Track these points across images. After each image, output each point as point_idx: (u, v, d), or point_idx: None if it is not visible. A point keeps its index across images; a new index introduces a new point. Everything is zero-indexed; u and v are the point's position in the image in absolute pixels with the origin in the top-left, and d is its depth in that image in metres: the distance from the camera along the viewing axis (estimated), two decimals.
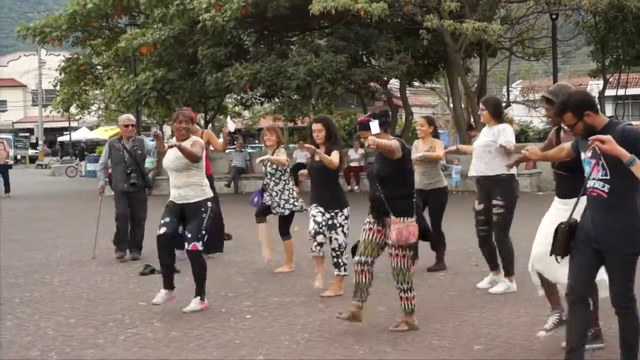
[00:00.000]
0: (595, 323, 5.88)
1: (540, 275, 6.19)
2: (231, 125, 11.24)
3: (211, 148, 11.04)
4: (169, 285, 7.87)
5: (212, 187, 8.70)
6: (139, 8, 26.81)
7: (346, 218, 8.29)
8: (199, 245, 7.70)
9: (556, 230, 5.20)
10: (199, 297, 7.85)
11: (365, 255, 6.86)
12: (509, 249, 8.16)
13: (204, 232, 7.75)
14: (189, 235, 7.70)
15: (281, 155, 9.50)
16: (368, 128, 6.82)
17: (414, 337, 6.56)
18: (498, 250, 8.24)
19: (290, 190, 9.65)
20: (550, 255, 5.28)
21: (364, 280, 6.87)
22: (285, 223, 9.79)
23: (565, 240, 5.13)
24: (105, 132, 51.32)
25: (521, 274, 8.41)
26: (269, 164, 9.60)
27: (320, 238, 8.22)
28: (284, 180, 9.62)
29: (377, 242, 6.88)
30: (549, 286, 6.21)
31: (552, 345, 6.15)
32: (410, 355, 6.08)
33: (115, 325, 7.34)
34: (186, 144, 7.75)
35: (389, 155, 6.62)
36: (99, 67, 30.79)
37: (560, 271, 5.65)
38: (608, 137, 4.43)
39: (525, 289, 7.91)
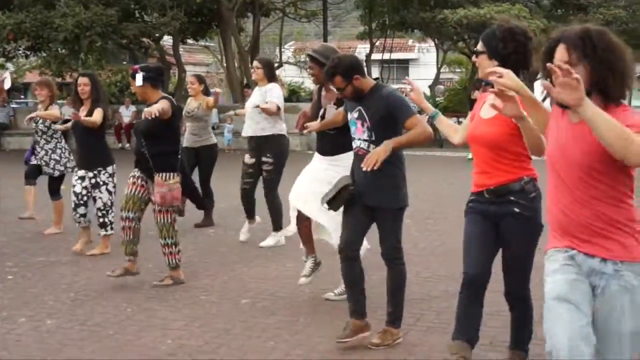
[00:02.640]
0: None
1: (298, 215, 6.33)
2: (7, 82, 10.70)
3: None
4: None
5: None
6: None
7: (110, 176, 8.14)
8: None
9: (343, 188, 5.28)
10: None
11: (127, 210, 6.85)
12: (277, 205, 8.42)
13: None
14: None
15: (54, 111, 9.08)
16: (133, 77, 6.85)
17: (182, 293, 6.60)
18: (267, 207, 8.47)
19: (62, 149, 9.26)
20: (326, 206, 5.37)
21: (130, 236, 6.90)
22: (54, 183, 9.40)
23: (346, 200, 5.24)
24: None
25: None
26: (40, 121, 9.15)
27: (81, 210, 8.21)
28: (56, 139, 9.22)
29: (140, 196, 6.89)
30: (306, 234, 6.39)
31: (316, 296, 6.43)
32: (178, 310, 6.12)
33: None
34: None
35: (163, 117, 6.59)
36: None
37: (320, 213, 5.90)
38: (417, 86, 4.70)
39: (292, 245, 8.16)
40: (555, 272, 3.18)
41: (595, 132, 2.88)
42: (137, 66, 7.09)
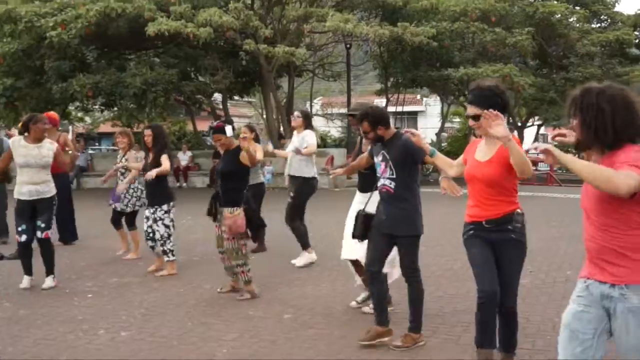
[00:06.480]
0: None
1: (353, 263, 6.38)
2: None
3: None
4: (29, 272, 7.66)
5: (70, 183, 10.01)
6: None
7: (165, 212, 8.05)
8: (49, 233, 7.49)
9: (356, 217, 5.45)
10: (52, 275, 7.63)
11: (218, 246, 7.16)
12: (298, 229, 8.59)
13: (52, 222, 7.59)
14: (43, 225, 7.43)
15: (132, 159, 9.10)
16: (223, 131, 6.89)
17: (233, 310, 6.53)
18: (291, 231, 8.64)
19: (135, 189, 9.22)
20: (353, 238, 5.52)
21: (226, 264, 7.15)
22: (129, 216, 9.33)
23: (363, 225, 5.36)
24: None
25: (321, 255, 8.61)
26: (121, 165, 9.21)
27: (149, 242, 8.24)
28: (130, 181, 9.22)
29: (222, 235, 7.05)
30: (360, 269, 6.36)
31: (347, 311, 6.33)
32: (231, 324, 6.05)
33: None
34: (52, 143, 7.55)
35: (251, 161, 6.79)
36: None
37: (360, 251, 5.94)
38: (418, 132, 4.82)
39: (326, 268, 8.11)
40: (571, 301, 3.19)
41: (581, 177, 2.91)
42: (219, 122, 7.15)
